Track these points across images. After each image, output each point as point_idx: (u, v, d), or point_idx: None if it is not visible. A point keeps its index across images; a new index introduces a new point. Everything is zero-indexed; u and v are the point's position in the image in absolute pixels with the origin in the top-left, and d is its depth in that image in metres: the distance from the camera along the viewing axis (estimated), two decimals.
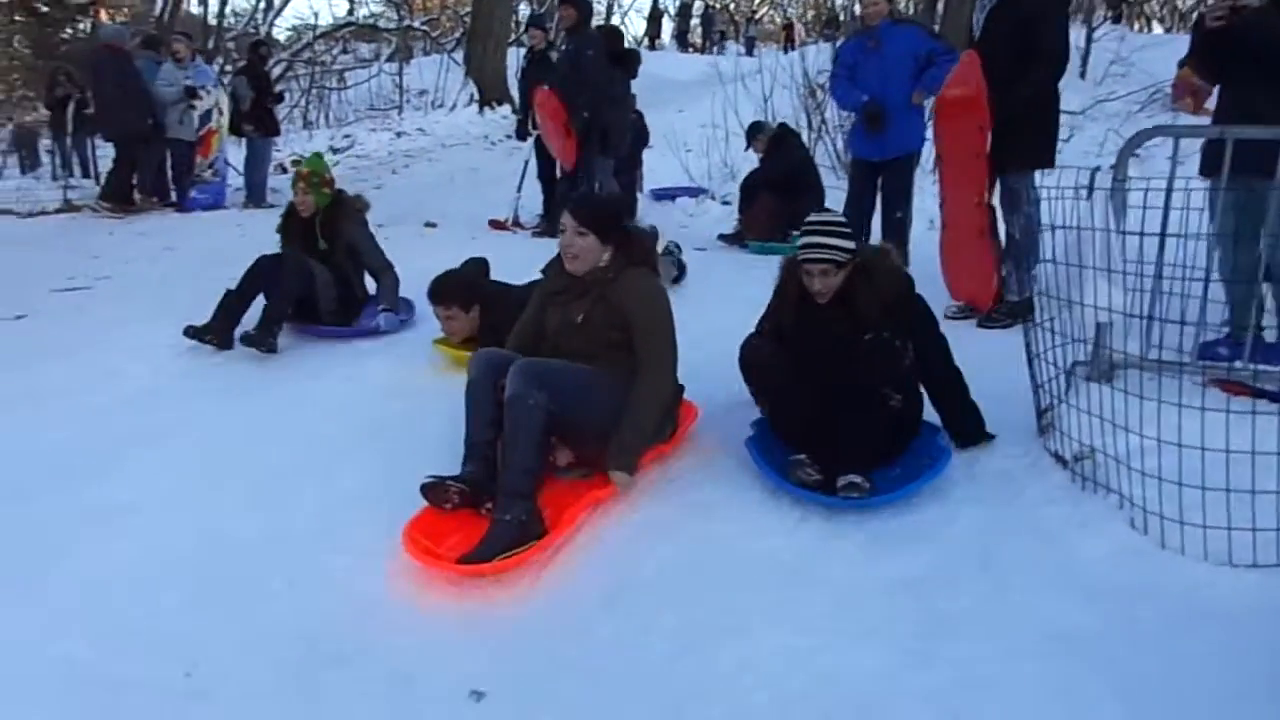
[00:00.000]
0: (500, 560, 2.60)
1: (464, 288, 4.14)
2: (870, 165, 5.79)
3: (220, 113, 8.95)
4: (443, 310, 4.12)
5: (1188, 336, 3.28)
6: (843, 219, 3.20)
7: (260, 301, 4.49)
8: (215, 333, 4.35)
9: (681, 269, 5.55)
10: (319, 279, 4.61)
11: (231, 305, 4.43)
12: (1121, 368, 3.11)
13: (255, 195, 9.21)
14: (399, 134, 14.52)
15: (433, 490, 2.83)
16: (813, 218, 3.16)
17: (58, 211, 8.92)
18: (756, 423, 3.26)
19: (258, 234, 5.78)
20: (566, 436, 3.05)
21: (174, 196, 8.99)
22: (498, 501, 2.77)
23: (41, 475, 3.26)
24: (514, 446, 2.79)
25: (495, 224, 7.66)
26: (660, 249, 5.14)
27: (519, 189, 7.81)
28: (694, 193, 9.21)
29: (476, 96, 15.34)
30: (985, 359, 3.77)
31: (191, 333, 4.32)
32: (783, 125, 7.94)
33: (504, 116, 14.58)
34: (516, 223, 7.67)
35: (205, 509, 3.04)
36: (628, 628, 2.44)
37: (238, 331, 4.39)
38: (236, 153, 9.80)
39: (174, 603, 2.58)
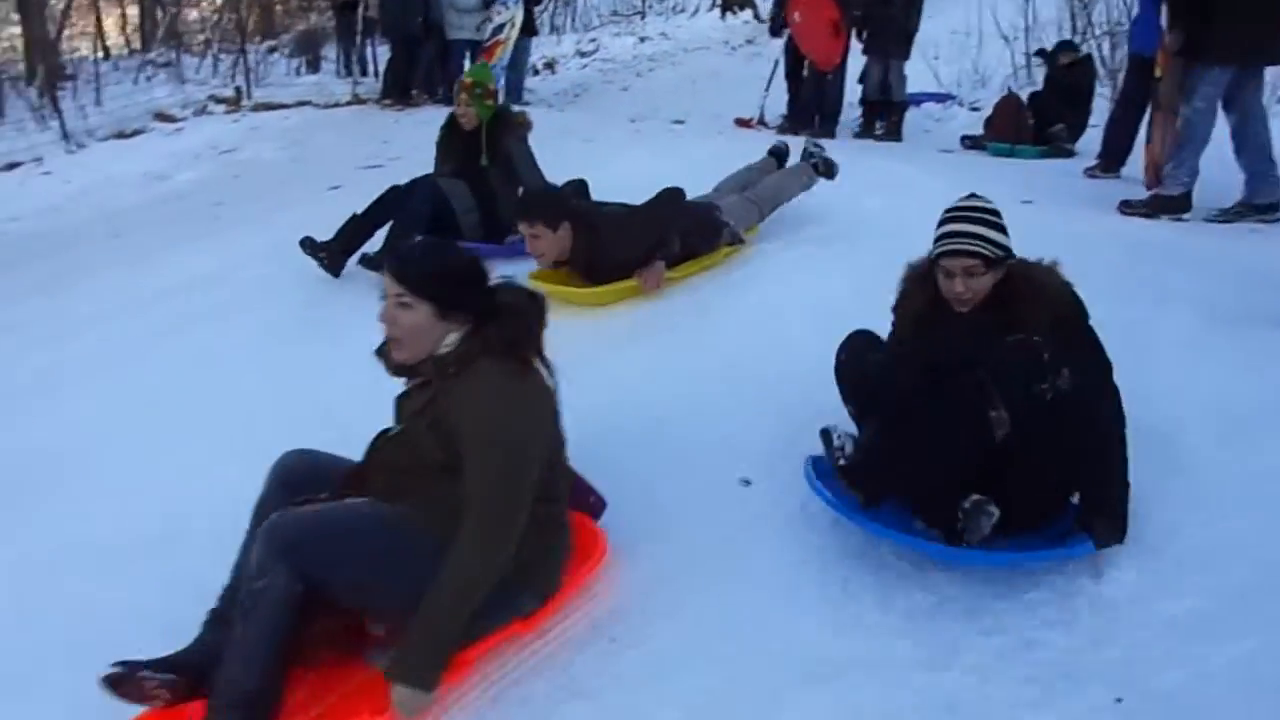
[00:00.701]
0: None
1: (549, 202, 3.83)
2: (1148, 62, 5.59)
3: (513, 26, 9.41)
4: (526, 227, 3.74)
5: None
6: (993, 207, 2.37)
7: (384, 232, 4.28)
8: (329, 254, 4.20)
9: (829, 166, 4.50)
10: (458, 204, 4.40)
11: (353, 231, 4.25)
12: None
13: (514, 92, 9.86)
14: (642, 39, 14.95)
15: (121, 684, 1.83)
16: (957, 202, 2.40)
17: (348, 104, 10.02)
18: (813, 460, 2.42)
19: None
20: (365, 611, 2.05)
21: (441, 93, 9.78)
22: None
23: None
24: (232, 651, 1.84)
25: (741, 122, 7.94)
26: (802, 153, 4.56)
27: (767, 88, 8.01)
28: (940, 99, 9.09)
29: (718, 2, 15.47)
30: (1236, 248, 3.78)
31: (307, 246, 4.19)
32: (1088, 56, 7.83)
33: (744, 22, 14.68)
34: (762, 121, 7.91)
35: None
36: None
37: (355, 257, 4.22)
38: None
39: None
